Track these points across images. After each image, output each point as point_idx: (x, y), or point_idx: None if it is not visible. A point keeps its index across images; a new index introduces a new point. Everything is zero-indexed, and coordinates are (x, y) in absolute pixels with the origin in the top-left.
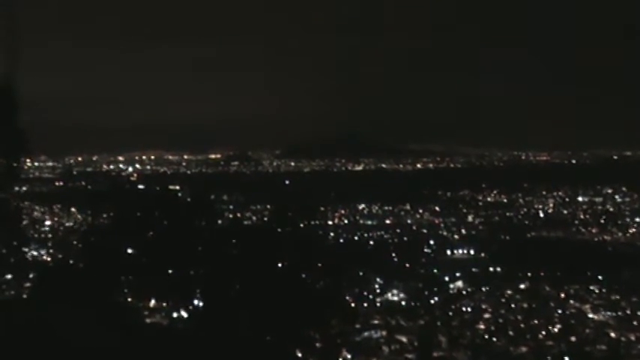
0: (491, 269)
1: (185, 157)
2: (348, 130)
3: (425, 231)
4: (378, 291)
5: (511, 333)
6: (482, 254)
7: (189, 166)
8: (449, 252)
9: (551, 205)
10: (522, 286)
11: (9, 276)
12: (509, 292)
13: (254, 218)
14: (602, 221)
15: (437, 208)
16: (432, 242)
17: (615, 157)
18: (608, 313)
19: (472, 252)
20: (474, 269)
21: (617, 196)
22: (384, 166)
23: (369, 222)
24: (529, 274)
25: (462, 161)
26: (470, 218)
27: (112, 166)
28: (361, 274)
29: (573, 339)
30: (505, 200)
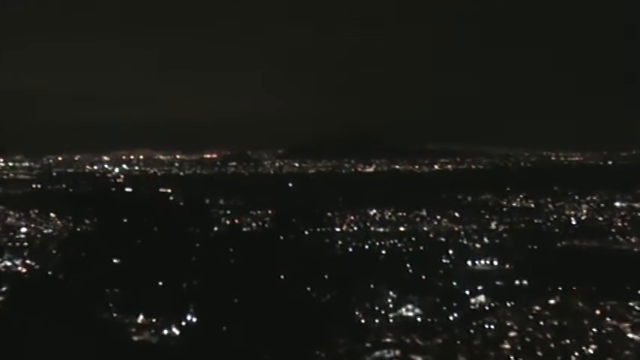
0: (517, 282)
1: (177, 156)
2: (358, 128)
3: (443, 239)
4: (390, 306)
5: (539, 354)
6: (507, 265)
7: (182, 166)
8: (469, 263)
9: (584, 211)
10: (552, 302)
11: None
12: (537, 307)
13: (254, 225)
14: None
15: (456, 214)
16: (450, 252)
17: None
18: None
19: (495, 263)
20: (497, 282)
21: None
22: (397, 167)
23: (381, 229)
24: (560, 287)
25: (485, 162)
26: (493, 225)
27: (96, 167)
28: (372, 286)
29: None
30: (532, 205)
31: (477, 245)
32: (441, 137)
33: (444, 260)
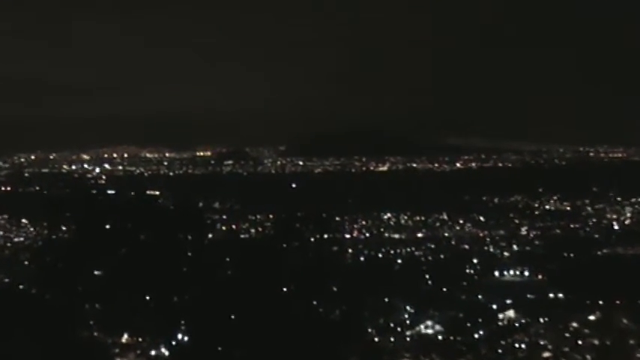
0: (551, 295)
1: (166, 154)
2: (370, 122)
3: (466, 247)
4: (408, 322)
5: None
6: (540, 276)
7: (172, 166)
8: (497, 273)
9: (628, 214)
10: (592, 318)
11: None
12: (574, 324)
13: (253, 231)
14: None
15: (481, 218)
16: (475, 261)
17: None
18: None
19: (527, 273)
20: (529, 295)
21: None
22: (414, 165)
23: (397, 235)
24: (600, 302)
25: (514, 159)
26: (523, 231)
27: (74, 167)
28: (387, 300)
29: None
30: (568, 208)
31: (506, 253)
32: (463, 131)
33: (467, 270)
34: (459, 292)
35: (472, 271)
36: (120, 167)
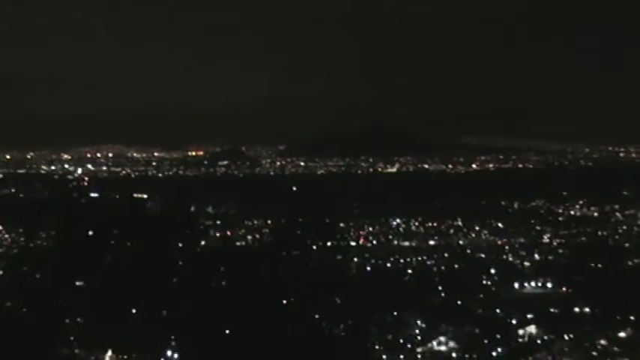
0: (576, 310)
1: (155, 154)
2: (378, 119)
3: (483, 256)
4: (418, 338)
5: None
6: (564, 289)
7: (161, 166)
8: (517, 285)
9: None
10: (622, 335)
11: None
12: (602, 342)
13: (249, 238)
14: None
15: (500, 225)
16: (493, 271)
17: None
18: None
19: (549, 285)
20: (552, 309)
21: None
22: (426, 166)
23: (407, 243)
24: (631, 317)
25: (535, 160)
26: (546, 238)
27: (53, 167)
28: (396, 314)
29: None
30: (596, 214)
31: (526, 263)
32: (479, 129)
33: (484, 282)
34: (475, 306)
35: (489, 283)
36: (104, 168)
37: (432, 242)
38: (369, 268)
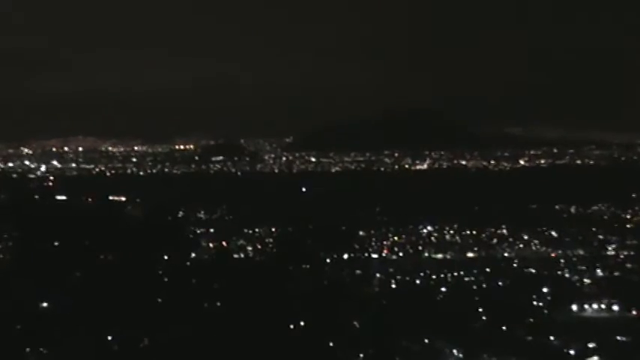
0: None
1: (136, 148)
2: (404, 106)
3: (533, 271)
4: None
5: None
6: (634, 312)
7: (143, 163)
8: (575, 307)
9: None
10: None
11: None
12: None
13: (249, 249)
14: None
15: (553, 234)
16: (545, 290)
17: None
18: None
19: (615, 308)
20: (618, 337)
21: None
22: (463, 163)
23: (439, 256)
24: None
25: (597, 155)
26: (611, 250)
27: (11, 164)
28: (426, 341)
29: None
30: None
31: (587, 280)
32: (528, 117)
33: (535, 303)
34: (524, 332)
35: (541, 304)
36: (73, 165)
37: (470, 254)
38: (394, 286)
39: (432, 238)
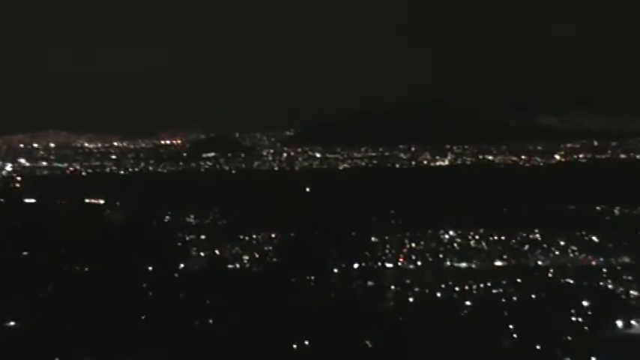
0: None
1: (115, 144)
2: (421, 92)
3: (571, 282)
4: None
5: None
6: None
7: (124, 161)
8: (620, 323)
9: None
10: None
11: None
12: None
13: (246, 258)
14: None
15: (594, 238)
16: (585, 304)
17: None
18: None
19: None
20: None
21: None
22: (490, 158)
23: (463, 264)
24: None
25: None
26: None
27: None
28: None
29: None
30: None
31: (633, 292)
32: (564, 105)
33: (573, 318)
34: (561, 351)
35: (580, 320)
36: (44, 163)
37: (498, 263)
38: (411, 299)
39: (455, 245)
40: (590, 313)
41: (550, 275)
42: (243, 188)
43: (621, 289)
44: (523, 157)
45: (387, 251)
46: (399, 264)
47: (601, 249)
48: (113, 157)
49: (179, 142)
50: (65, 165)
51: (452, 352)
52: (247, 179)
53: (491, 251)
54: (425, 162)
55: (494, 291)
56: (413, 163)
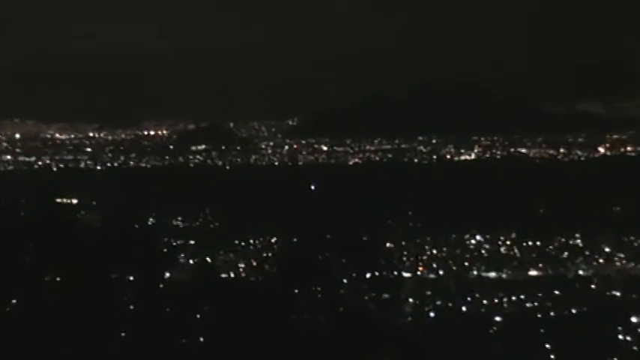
0: None
1: (91, 134)
2: (444, 76)
3: (618, 294)
4: None
5: None
6: None
7: (101, 154)
8: None
9: None
10: None
11: None
12: None
13: (241, 266)
14: None
15: None
16: (634, 320)
17: None
18: None
19: None
20: None
21: None
22: (523, 151)
23: (493, 274)
24: None
25: None
26: None
27: None
28: None
29: None
30: None
31: None
32: (608, 90)
33: (620, 336)
34: None
35: (629, 339)
36: (8, 157)
37: (533, 272)
38: (432, 314)
39: (483, 251)
40: (639, 330)
41: (593, 287)
42: (238, 186)
43: None
44: (562, 150)
45: (404, 259)
46: (419, 273)
47: None
48: (88, 149)
49: (165, 132)
50: (33, 159)
51: None
52: (243, 176)
53: (525, 259)
54: (448, 155)
55: (527, 305)
56: (434, 157)
